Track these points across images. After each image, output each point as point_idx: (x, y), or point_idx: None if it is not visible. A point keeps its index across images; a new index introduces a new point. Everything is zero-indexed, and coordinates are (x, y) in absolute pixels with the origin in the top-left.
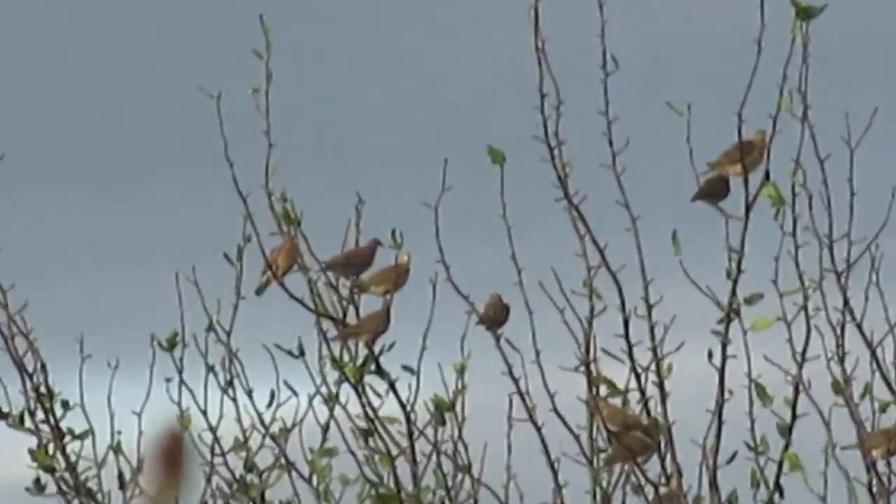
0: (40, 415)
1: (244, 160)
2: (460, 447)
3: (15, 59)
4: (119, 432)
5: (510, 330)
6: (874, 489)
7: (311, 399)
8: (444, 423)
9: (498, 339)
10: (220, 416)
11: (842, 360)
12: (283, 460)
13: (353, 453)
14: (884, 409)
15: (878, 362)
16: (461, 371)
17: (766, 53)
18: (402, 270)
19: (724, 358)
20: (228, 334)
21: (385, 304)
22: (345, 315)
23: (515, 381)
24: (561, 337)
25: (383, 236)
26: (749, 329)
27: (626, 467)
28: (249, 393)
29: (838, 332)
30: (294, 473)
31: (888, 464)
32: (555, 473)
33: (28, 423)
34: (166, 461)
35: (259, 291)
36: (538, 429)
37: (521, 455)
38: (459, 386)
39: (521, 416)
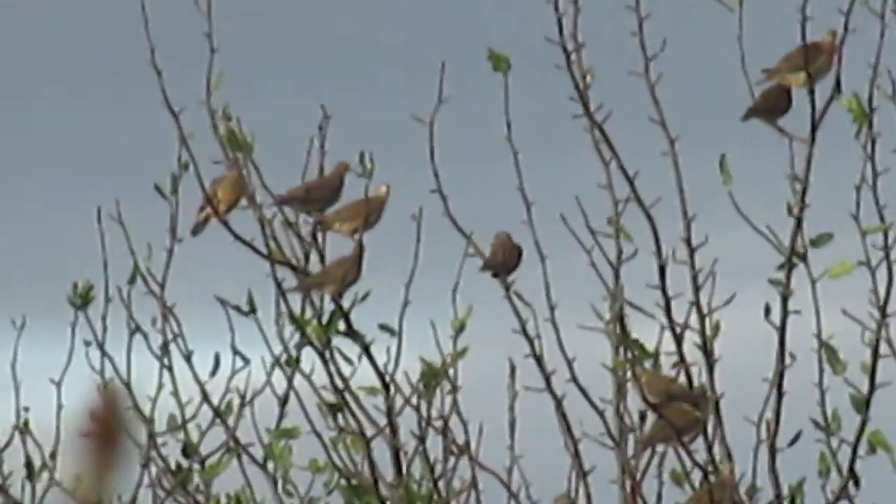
0: None
1: (180, 69)
2: (455, 422)
3: None
4: (27, 409)
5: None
6: None
7: (269, 367)
8: (432, 395)
9: (507, 289)
10: (159, 388)
11: None
12: (231, 443)
13: (318, 434)
14: None
15: None
16: (459, 330)
17: None
18: (375, 204)
19: (786, 314)
20: (162, 286)
21: (356, 247)
22: (306, 261)
23: (531, 340)
24: (580, 288)
25: (355, 161)
26: (823, 276)
27: (662, 450)
28: (188, 358)
29: None
30: (245, 458)
31: None
32: (578, 457)
33: None
34: (97, 442)
35: (195, 231)
36: (558, 402)
37: (528, 434)
38: (456, 349)
39: (533, 385)
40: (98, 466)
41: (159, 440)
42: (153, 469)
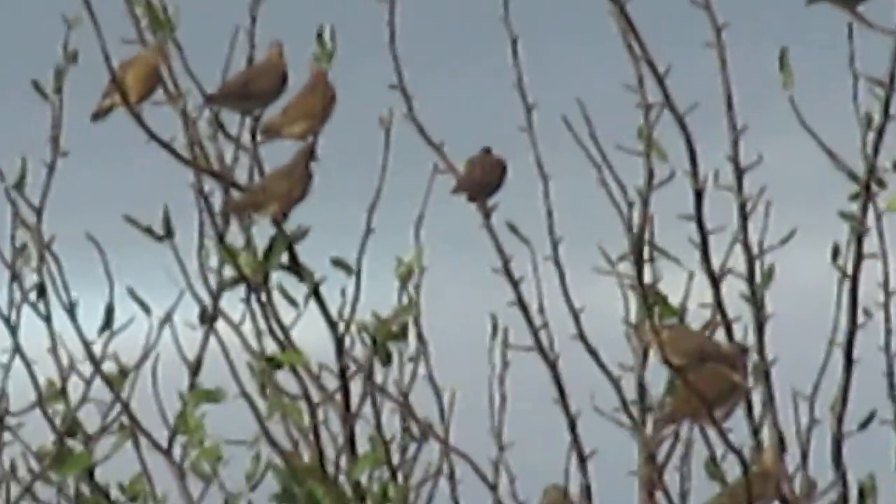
0: None
1: None
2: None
3: None
4: None
5: (511, 206)
6: None
7: (164, 317)
8: (387, 361)
9: (487, 216)
10: (13, 352)
11: None
12: (124, 418)
13: (248, 397)
14: None
15: None
16: (405, 279)
17: None
18: (329, 97)
19: (860, 257)
20: (39, 211)
21: (303, 154)
22: (250, 177)
23: (515, 283)
24: (595, 219)
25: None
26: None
27: (691, 429)
28: (71, 310)
29: None
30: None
31: None
32: (575, 437)
33: None
34: None
35: (96, 117)
36: (551, 364)
37: (523, 412)
38: (401, 302)
39: (522, 343)
40: None
41: (14, 420)
42: (14, 448)
